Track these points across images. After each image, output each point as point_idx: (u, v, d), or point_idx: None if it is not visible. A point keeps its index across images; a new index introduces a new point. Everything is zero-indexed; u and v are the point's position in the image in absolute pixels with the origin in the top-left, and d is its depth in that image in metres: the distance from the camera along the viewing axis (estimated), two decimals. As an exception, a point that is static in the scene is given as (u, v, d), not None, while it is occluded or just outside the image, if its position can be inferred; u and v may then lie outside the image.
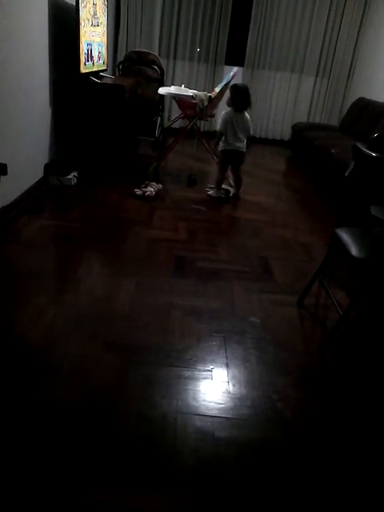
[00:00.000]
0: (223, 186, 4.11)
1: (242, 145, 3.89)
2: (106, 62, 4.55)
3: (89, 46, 3.88)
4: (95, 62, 4.12)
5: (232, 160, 3.98)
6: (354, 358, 2.12)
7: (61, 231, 3.03)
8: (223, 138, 3.87)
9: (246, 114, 3.87)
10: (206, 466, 1.45)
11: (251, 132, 3.95)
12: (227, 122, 3.82)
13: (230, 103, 3.85)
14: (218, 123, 4.15)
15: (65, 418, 1.57)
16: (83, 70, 3.77)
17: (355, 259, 1.98)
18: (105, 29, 4.38)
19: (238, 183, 4.10)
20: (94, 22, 3.99)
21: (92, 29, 3.93)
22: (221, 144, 3.93)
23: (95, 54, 4.10)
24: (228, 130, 3.83)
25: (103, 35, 4.35)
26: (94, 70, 4.07)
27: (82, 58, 3.71)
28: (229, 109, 3.86)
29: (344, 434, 1.66)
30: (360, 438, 1.65)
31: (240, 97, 3.80)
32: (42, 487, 1.32)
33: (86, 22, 3.75)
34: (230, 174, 4.13)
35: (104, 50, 4.42)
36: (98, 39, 4.15)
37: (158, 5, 5.86)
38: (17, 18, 2.91)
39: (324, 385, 1.90)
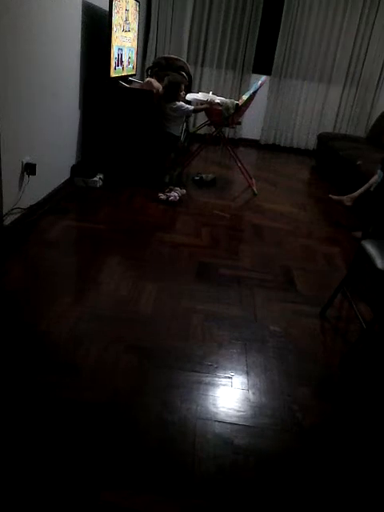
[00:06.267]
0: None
1: (175, 129, 4.20)
2: (135, 67, 4.61)
3: (119, 51, 3.93)
4: (125, 66, 4.17)
5: (168, 143, 4.19)
6: (376, 371, 2.09)
7: (85, 232, 3.06)
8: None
9: (177, 102, 4.09)
10: (224, 473, 1.44)
11: (186, 112, 4.22)
12: (163, 110, 4.11)
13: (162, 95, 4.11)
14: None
15: (85, 418, 1.58)
16: (113, 74, 3.82)
17: (380, 272, 1.96)
18: (135, 34, 4.43)
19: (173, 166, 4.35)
20: (126, 28, 4.04)
21: (123, 34, 3.98)
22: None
23: (125, 58, 4.16)
24: (164, 117, 4.14)
25: (134, 41, 4.41)
26: (123, 74, 4.13)
27: (113, 62, 3.77)
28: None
29: (364, 448, 1.64)
30: (381, 453, 1.62)
31: (165, 89, 4.10)
32: (59, 486, 1.33)
33: (118, 27, 3.80)
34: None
35: (134, 55, 4.48)
36: (128, 44, 4.21)
37: (187, 12, 5.91)
38: (50, 20, 2.97)
39: (345, 397, 1.88)
